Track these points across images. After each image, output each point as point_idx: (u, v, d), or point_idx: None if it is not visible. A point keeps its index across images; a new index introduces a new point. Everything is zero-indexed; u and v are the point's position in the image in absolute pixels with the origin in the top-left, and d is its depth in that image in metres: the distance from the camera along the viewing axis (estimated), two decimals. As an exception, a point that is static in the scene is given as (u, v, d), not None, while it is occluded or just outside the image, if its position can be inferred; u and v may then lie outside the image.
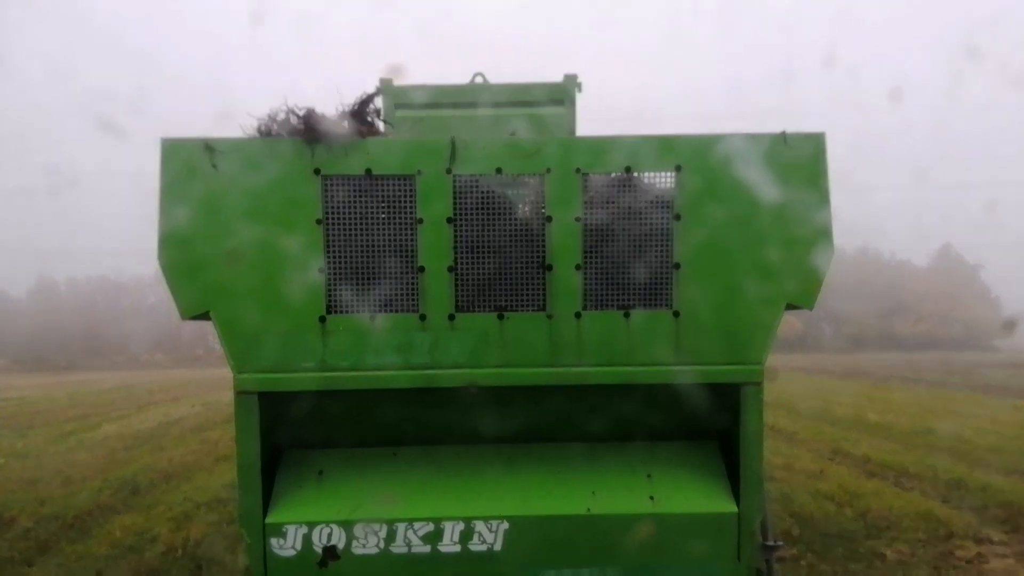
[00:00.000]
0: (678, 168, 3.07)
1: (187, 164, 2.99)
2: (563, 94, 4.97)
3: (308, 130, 3.09)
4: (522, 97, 4.94)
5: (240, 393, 3.04)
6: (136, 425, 16.19)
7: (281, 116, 3.18)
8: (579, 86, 5.03)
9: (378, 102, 3.90)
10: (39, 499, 8.69)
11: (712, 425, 3.36)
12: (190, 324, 3.51)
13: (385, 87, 4.70)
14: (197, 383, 28.83)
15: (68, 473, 10.45)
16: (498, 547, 3.10)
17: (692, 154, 3.07)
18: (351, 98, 3.38)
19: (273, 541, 3.07)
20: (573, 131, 4.94)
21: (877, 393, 21.19)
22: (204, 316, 3.04)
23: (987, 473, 9.48)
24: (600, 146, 3.11)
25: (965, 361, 38.73)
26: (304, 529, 3.07)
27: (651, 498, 3.19)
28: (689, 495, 3.22)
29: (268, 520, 3.09)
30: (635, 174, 3.10)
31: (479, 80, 5.06)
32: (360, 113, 3.38)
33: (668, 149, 3.08)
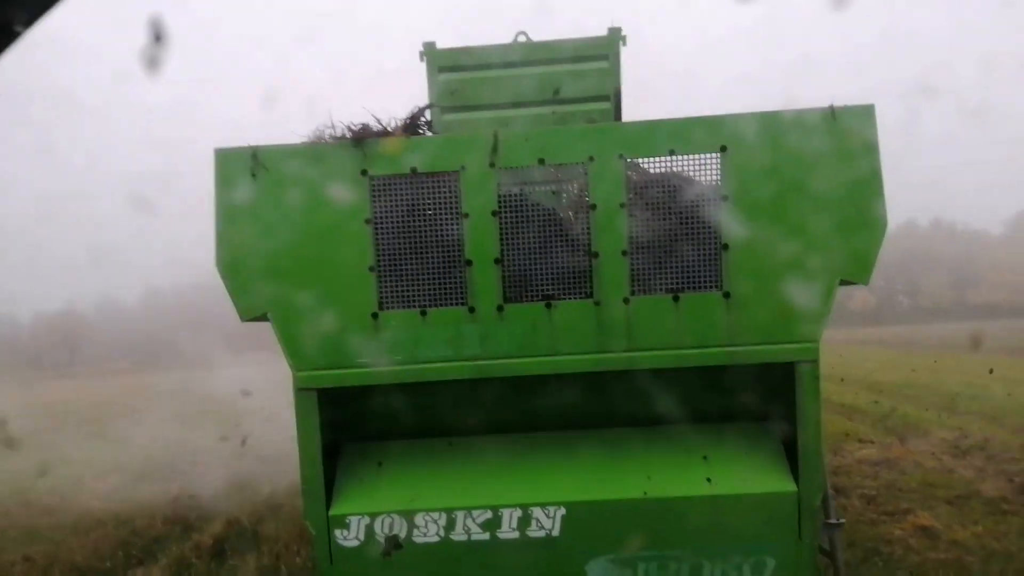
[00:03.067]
0: (723, 148, 3.05)
1: (239, 172, 3.08)
2: (607, 48, 4.89)
3: (357, 137, 3.18)
4: (565, 54, 4.87)
5: (300, 390, 3.13)
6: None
7: (331, 131, 3.29)
8: (623, 39, 4.95)
9: (428, 115, 3.92)
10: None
11: (768, 405, 3.33)
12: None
13: (428, 51, 4.73)
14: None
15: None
16: (556, 532, 3.13)
17: (737, 134, 3.05)
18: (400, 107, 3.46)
19: (337, 532, 3.15)
20: (618, 86, 4.89)
21: (902, 359, 24.08)
22: (263, 318, 3.13)
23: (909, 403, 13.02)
24: (643, 130, 3.11)
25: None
26: (367, 520, 3.15)
27: (708, 480, 3.19)
28: (746, 475, 3.21)
29: (332, 512, 3.17)
30: (679, 157, 3.09)
31: (522, 39, 4.99)
32: (412, 127, 3.44)
33: (712, 130, 3.07)
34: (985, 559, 5.98)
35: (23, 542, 7.78)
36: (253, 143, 3.12)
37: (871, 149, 3.05)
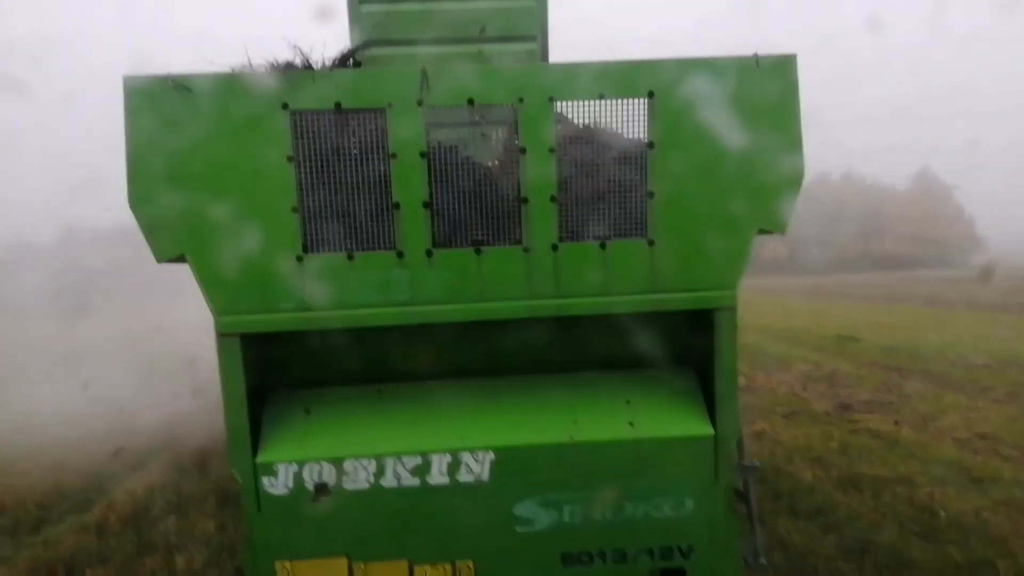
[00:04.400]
0: (651, 94, 3.04)
1: (152, 102, 2.92)
2: (534, 27, 4.66)
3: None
4: (492, 31, 4.64)
5: (222, 335, 3.04)
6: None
7: (256, 67, 3.15)
8: None
9: (360, 58, 3.80)
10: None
11: (689, 351, 3.43)
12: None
13: (352, 18, 4.52)
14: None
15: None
16: (485, 477, 3.19)
17: (665, 80, 3.05)
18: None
19: (265, 480, 3.12)
20: (545, 26, 4.74)
21: (796, 306, 28.15)
22: (180, 259, 3.02)
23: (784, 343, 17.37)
24: (572, 73, 3.07)
25: (930, 278, 42.53)
26: (295, 467, 3.13)
27: (630, 424, 3.27)
28: (667, 420, 3.30)
29: (258, 460, 3.13)
30: (608, 100, 3.06)
31: None
32: (342, 66, 3.35)
33: (641, 75, 3.05)
34: (790, 451, 8.34)
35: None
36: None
37: (792, 100, 3.08)
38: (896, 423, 9.54)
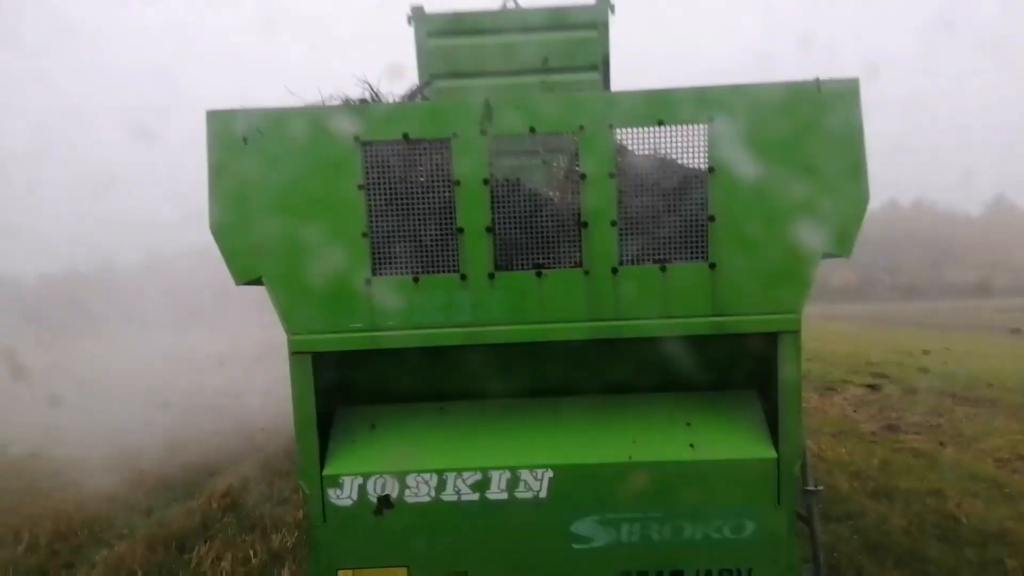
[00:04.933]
0: (710, 120, 3.09)
1: (233, 134, 3.11)
2: (596, 17, 4.89)
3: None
4: (553, 22, 4.86)
5: (294, 354, 3.20)
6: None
7: (330, 101, 3.34)
8: (612, 8, 4.96)
9: (427, 92, 3.97)
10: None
11: (751, 374, 3.44)
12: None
13: (416, 15, 4.71)
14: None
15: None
16: (543, 494, 3.24)
17: (724, 105, 3.09)
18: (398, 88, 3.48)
19: (331, 492, 3.26)
20: (607, 55, 4.92)
21: (861, 334, 28.31)
22: (257, 281, 3.19)
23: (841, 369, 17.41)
24: (631, 101, 3.16)
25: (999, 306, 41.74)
26: (359, 480, 3.26)
27: (691, 446, 3.28)
28: (728, 442, 3.30)
29: (325, 472, 3.27)
30: (667, 127, 3.12)
31: (510, 5, 5.04)
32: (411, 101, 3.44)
33: (700, 101, 3.11)
34: (836, 466, 8.78)
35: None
36: (250, 74, 3.36)
37: (855, 123, 3.09)
38: (941, 443, 9.87)
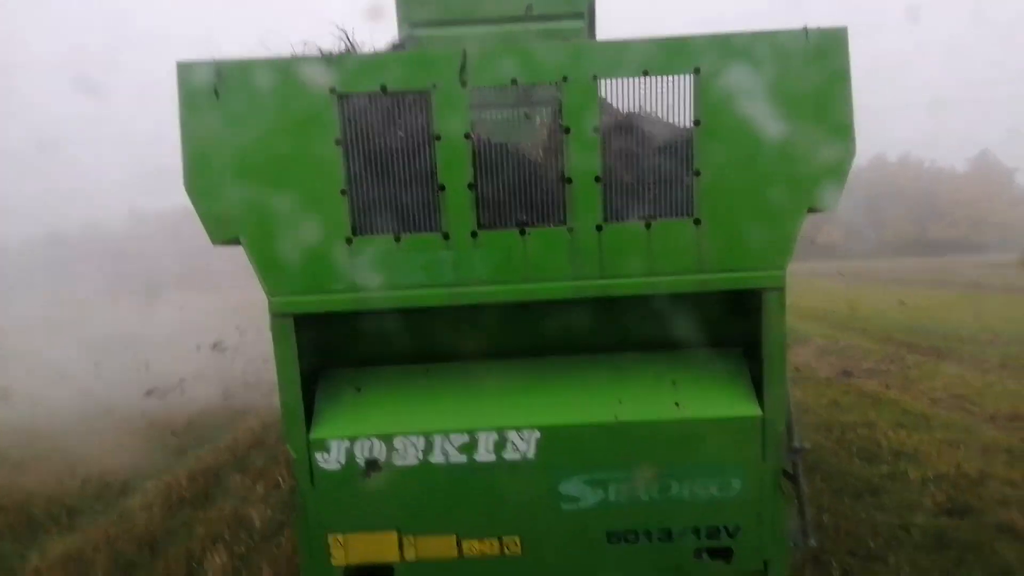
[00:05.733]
0: (696, 71, 3.00)
1: (205, 87, 2.98)
2: (581, 5, 4.74)
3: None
4: (539, 10, 4.70)
5: (276, 315, 3.12)
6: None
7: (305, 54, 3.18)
8: None
9: (408, 43, 3.86)
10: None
11: (736, 332, 3.40)
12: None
13: (399, 2, 4.58)
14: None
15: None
16: (531, 455, 3.23)
17: (710, 55, 3.00)
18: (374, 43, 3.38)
19: (318, 455, 3.23)
20: (592, 2, 4.77)
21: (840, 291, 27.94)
22: (235, 241, 3.08)
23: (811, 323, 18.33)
24: (615, 51, 3.05)
25: (978, 262, 42.92)
26: (346, 443, 3.22)
27: (676, 404, 3.27)
28: (713, 401, 3.29)
29: (312, 436, 3.23)
30: (653, 78, 3.02)
31: None
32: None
33: (686, 51, 3.01)
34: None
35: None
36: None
37: (842, 73, 3.01)
38: (887, 386, 10.99)
